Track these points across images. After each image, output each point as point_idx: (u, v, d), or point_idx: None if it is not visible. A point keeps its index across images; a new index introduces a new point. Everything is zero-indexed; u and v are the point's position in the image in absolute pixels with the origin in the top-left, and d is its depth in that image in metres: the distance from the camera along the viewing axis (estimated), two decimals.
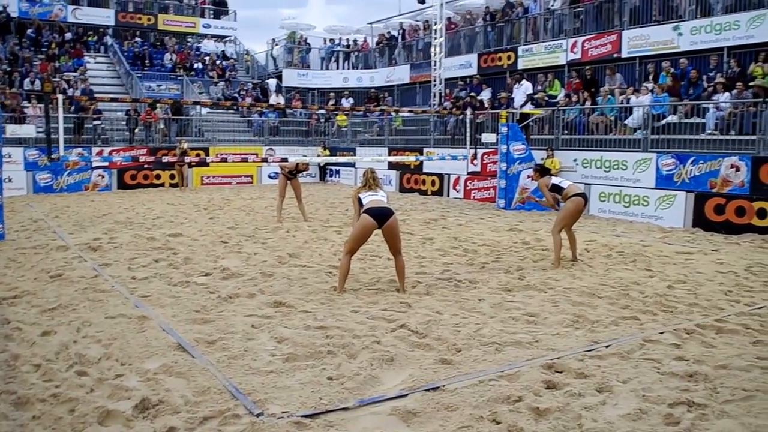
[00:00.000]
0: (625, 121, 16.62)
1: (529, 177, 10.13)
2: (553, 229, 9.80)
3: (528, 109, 18.88)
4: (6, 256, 10.02)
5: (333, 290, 7.80)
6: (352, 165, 25.52)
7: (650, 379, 5.00)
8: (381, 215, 7.62)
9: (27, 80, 24.80)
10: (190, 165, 20.44)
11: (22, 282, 8.30)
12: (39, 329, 6.18)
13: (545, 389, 4.82)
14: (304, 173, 14.77)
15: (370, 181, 7.97)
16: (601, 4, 20.55)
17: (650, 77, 17.71)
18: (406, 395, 4.69)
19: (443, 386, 4.83)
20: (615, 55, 19.70)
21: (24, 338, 5.93)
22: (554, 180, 10.11)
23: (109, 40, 31.87)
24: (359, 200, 7.83)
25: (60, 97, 12.29)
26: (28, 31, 29.50)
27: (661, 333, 6.18)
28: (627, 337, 6.05)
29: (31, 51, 28.34)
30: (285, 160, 15.89)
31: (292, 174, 14.52)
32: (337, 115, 27.98)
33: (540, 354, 5.56)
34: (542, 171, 10.35)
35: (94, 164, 21.75)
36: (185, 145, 21.81)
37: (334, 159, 23.49)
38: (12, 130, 15.03)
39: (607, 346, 5.77)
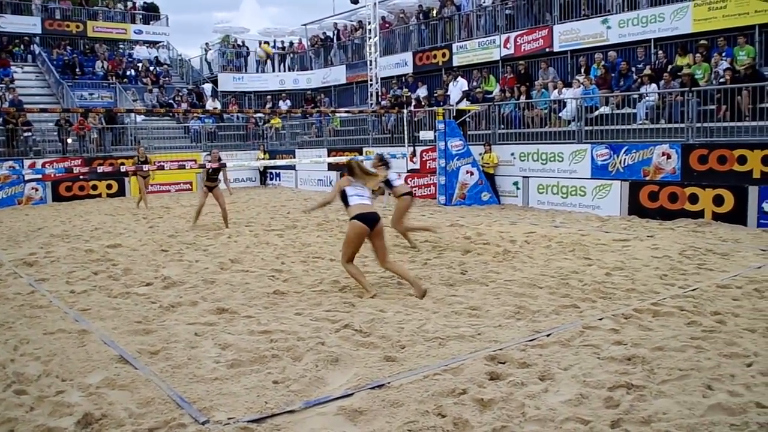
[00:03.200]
0: (560, 114, 16.93)
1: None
2: (395, 224, 10.69)
3: (464, 105, 19.08)
4: None
5: (273, 293, 7.77)
6: (292, 168, 25.43)
7: (590, 365, 5.12)
8: (371, 221, 7.64)
9: None
10: (144, 175, 19.18)
11: None
12: None
13: (489, 380, 4.90)
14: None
15: (358, 171, 7.93)
16: (532, 0, 20.88)
17: (582, 70, 18.08)
18: (352, 394, 4.72)
19: (388, 383, 4.87)
20: (547, 50, 20.06)
21: None
22: (390, 176, 10.75)
23: (36, 48, 31.08)
24: (344, 195, 7.80)
25: None
26: None
27: (600, 319, 6.34)
28: (567, 325, 6.18)
29: None
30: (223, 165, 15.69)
31: (212, 178, 14.27)
32: (272, 118, 27.86)
33: (483, 346, 5.64)
34: (385, 163, 10.86)
35: (27, 177, 21.17)
36: (143, 150, 20.22)
37: (274, 162, 23.34)
38: None
39: (548, 335, 5.89)
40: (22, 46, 31.03)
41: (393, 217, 10.78)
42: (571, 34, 19.42)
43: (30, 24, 32.12)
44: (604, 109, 15.99)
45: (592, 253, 9.98)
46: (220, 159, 14.66)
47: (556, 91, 17.59)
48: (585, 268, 8.87)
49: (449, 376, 4.97)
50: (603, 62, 17.41)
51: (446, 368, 5.12)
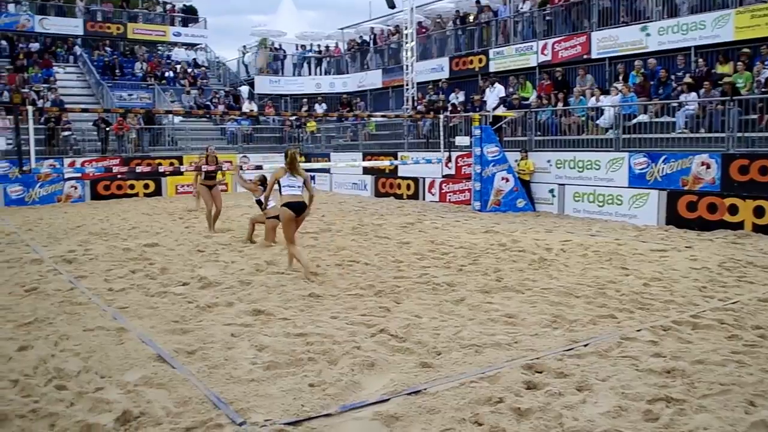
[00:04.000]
0: (597, 122, 16.78)
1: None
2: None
3: (501, 111, 19.00)
4: None
5: (309, 296, 7.81)
6: (326, 171, 25.53)
7: (629, 377, 5.06)
8: (298, 209, 9.19)
9: None
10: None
11: None
12: (15, 344, 6.10)
13: (526, 389, 4.87)
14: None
15: (293, 163, 9.26)
16: (570, 6, 20.75)
17: (620, 77, 17.90)
18: (388, 400, 4.71)
19: (424, 390, 4.86)
20: (585, 56, 19.88)
21: (0, 354, 5.86)
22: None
23: (78, 49, 31.60)
24: (279, 184, 9.30)
25: (30, 108, 12.15)
26: (2, 43, 29.19)
27: (638, 330, 6.26)
28: (605, 336, 6.12)
29: None
30: (260, 167, 15.33)
31: (210, 176, 13.92)
32: (308, 121, 28.00)
33: (519, 355, 5.61)
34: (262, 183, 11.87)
35: (67, 175, 21.53)
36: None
37: (309, 165, 23.42)
38: None
39: (585, 345, 5.84)
40: (64, 47, 31.58)
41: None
42: (609, 41, 19.24)
43: (72, 26, 32.66)
44: (643, 118, 15.82)
45: (629, 262, 9.87)
46: (217, 160, 14.37)
47: (593, 98, 17.43)
48: (622, 278, 8.77)
49: (486, 384, 4.95)
50: (642, 70, 17.20)
51: (483, 376, 5.10)
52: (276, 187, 9.51)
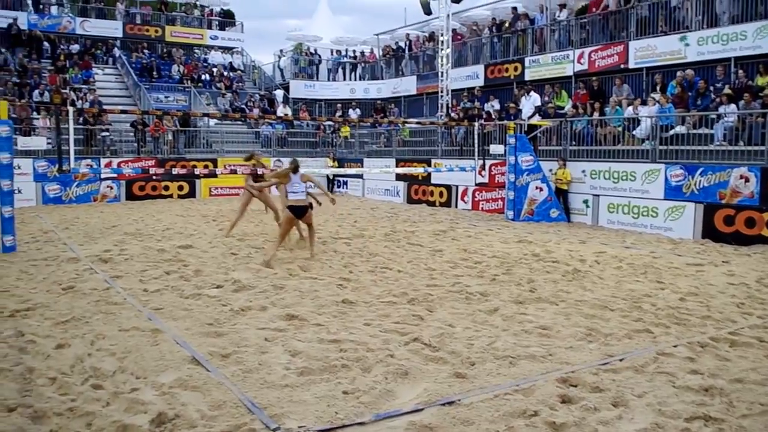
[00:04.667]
0: (633, 132, 16.62)
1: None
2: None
3: (536, 120, 18.90)
4: (18, 268, 10.08)
5: (342, 302, 7.82)
6: (359, 176, 25.58)
7: (666, 393, 5.00)
8: (300, 212, 10.54)
9: (36, 92, 24.95)
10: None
11: (34, 294, 8.34)
12: (53, 342, 6.20)
13: (561, 403, 4.83)
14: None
15: (297, 170, 10.53)
16: (608, 15, 20.59)
17: (657, 88, 17.71)
18: (422, 410, 4.69)
19: (459, 400, 4.83)
20: (622, 66, 19.71)
21: (38, 351, 5.95)
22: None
23: (117, 51, 32.08)
24: (286, 190, 10.62)
25: (70, 109, 12.34)
26: (45, 45, 29.74)
27: (675, 346, 6.18)
28: (641, 351, 6.04)
29: (40, 63, 28.53)
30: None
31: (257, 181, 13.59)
32: (343, 126, 28.09)
33: (554, 368, 5.56)
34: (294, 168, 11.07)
35: (104, 176, 21.83)
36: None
37: (342, 171, 23.54)
38: (23, 142, 15.11)
39: (621, 360, 5.77)
40: (104, 49, 32.06)
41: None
42: (647, 50, 19.04)
43: (112, 28, 33.19)
44: (680, 129, 15.62)
45: (664, 276, 9.74)
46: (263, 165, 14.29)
47: (630, 108, 17.27)
48: (657, 291, 8.66)
49: (520, 396, 4.92)
50: (683, 80, 16.98)
51: (517, 388, 5.07)
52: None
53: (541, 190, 16.89)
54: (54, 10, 33.10)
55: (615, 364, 5.66)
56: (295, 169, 10.57)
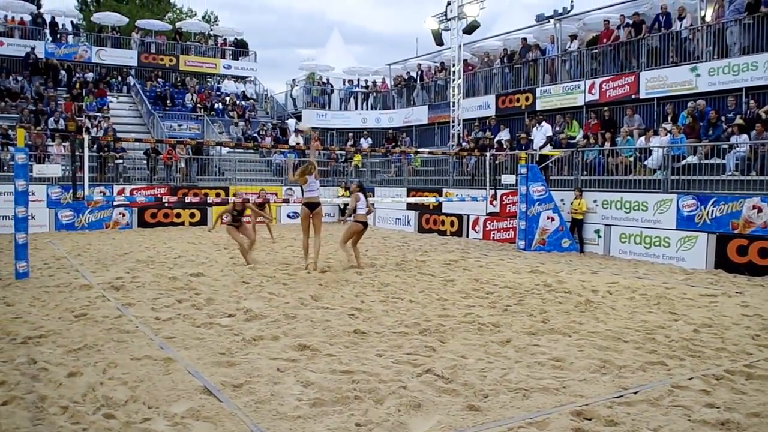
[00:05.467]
0: (645, 162, 16.62)
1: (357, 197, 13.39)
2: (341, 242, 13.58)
3: (547, 150, 18.93)
4: (30, 295, 10.11)
5: (354, 332, 7.79)
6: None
7: (681, 427, 4.94)
8: (312, 206, 12.45)
9: (52, 119, 25.21)
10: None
11: (47, 321, 8.36)
12: (65, 370, 6.20)
13: None
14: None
15: (312, 169, 12.39)
16: (618, 46, 20.69)
17: (669, 118, 17.74)
18: None
19: None
20: (633, 96, 19.76)
21: (51, 379, 5.95)
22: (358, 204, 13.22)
23: (131, 80, 32.44)
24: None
25: (86, 137, 12.46)
26: (61, 73, 30.16)
27: (690, 379, 6.12)
28: (655, 383, 5.99)
29: (56, 90, 28.89)
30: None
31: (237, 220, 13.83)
32: (354, 155, 28.18)
33: (568, 400, 5.51)
34: (361, 187, 13.66)
35: (117, 203, 21.96)
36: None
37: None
38: (39, 169, 15.27)
39: (635, 393, 5.72)
40: (119, 78, 32.43)
41: (342, 237, 13.67)
42: (658, 81, 19.11)
43: (127, 57, 33.69)
44: (692, 159, 15.62)
45: (677, 307, 9.69)
46: (243, 205, 14.19)
47: (642, 138, 17.29)
48: (671, 323, 8.60)
49: (534, 429, 4.88)
50: (694, 110, 16.99)
51: (531, 421, 5.02)
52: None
53: (552, 219, 16.88)
54: (71, 39, 33.58)
55: (629, 397, 5.61)
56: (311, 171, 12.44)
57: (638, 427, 4.92)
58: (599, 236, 16.64)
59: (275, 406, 5.31)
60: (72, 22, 35.82)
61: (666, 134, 16.52)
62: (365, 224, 13.08)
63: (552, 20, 25.13)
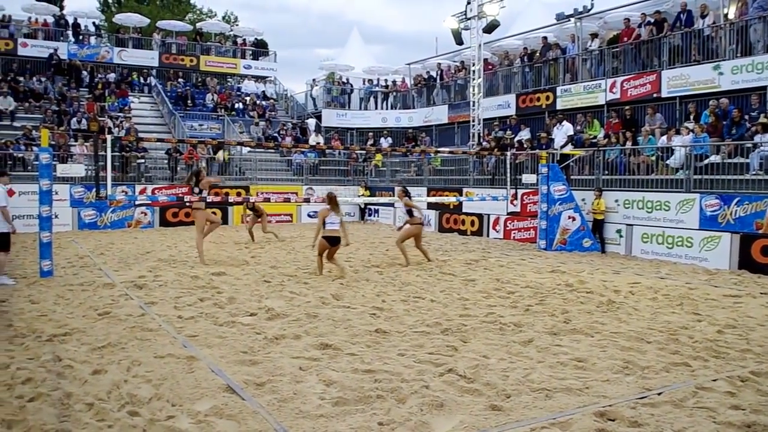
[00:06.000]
0: (667, 161, 16.49)
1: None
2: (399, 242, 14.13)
3: (568, 149, 18.84)
4: (55, 293, 10.24)
5: (375, 331, 7.80)
6: (390, 204, 25.61)
7: (706, 429, 4.90)
8: (333, 242, 12.19)
9: (74, 120, 25.44)
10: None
11: (71, 319, 8.45)
12: (90, 368, 6.27)
13: None
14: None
15: (334, 205, 12.19)
16: (640, 44, 20.54)
17: (691, 117, 17.59)
18: None
19: None
20: (655, 95, 19.61)
21: (76, 376, 6.03)
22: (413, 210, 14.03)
23: (152, 80, 32.66)
24: (324, 222, 12.07)
25: (109, 137, 12.56)
26: (83, 73, 30.47)
27: (714, 380, 6.07)
28: (679, 384, 5.95)
29: (79, 91, 29.17)
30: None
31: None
32: (375, 154, 28.19)
33: (591, 401, 5.49)
34: (407, 192, 14.67)
35: (139, 202, 22.12)
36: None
37: (374, 199, 23.64)
38: (62, 169, 15.39)
39: (659, 394, 5.69)
40: (141, 79, 32.68)
41: (400, 236, 14.38)
42: (680, 79, 18.94)
43: (149, 57, 33.93)
44: (715, 158, 15.48)
45: (701, 308, 9.60)
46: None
47: (663, 137, 17.15)
48: (694, 323, 8.53)
49: (557, 430, 4.87)
50: (716, 109, 16.84)
51: (554, 422, 5.01)
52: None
53: (573, 219, 16.79)
54: (93, 40, 33.88)
55: (653, 398, 5.57)
56: (332, 203, 12.26)
57: (662, 429, 4.90)
58: (621, 236, 16.52)
59: (298, 405, 5.33)
60: (94, 23, 36.16)
61: (688, 133, 16.37)
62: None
63: (572, 19, 25.03)
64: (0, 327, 7.98)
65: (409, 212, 14.14)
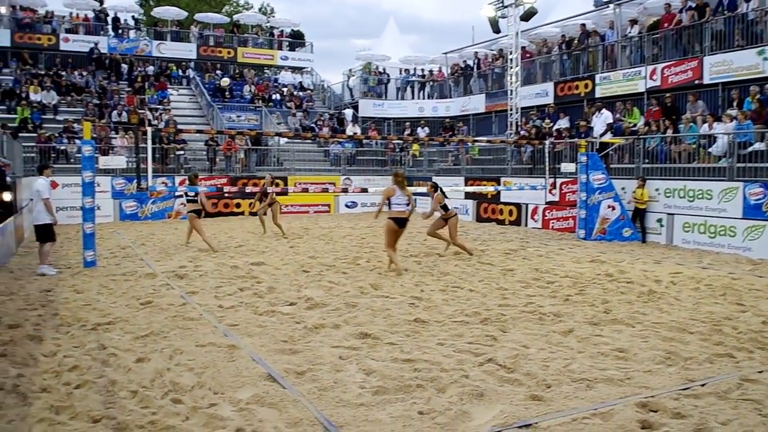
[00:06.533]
0: (709, 149, 16.19)
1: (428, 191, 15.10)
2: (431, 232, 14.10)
3: (608, 138, 18.61)
4: (98, 283, 10.43)
5: (414, 321, 7.80)
6: (428, 195, 25.52)
7: (752, 422, 4.82)
8: (401, 222, 11.36)
9: (115, 112, 25.82)
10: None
11: (114, 308, 8.61)
12: (133, 356, 6.39)
13: (641, 429, 4.71)
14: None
15: (401, 184, 11.34)
16: (681, 30, 20.17)
17: (734, 103, 17.24)
18: None
19: (536, 423, 4.77)
20: (696, 82, 19.26)
21: (120, 364, 6.14)
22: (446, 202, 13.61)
23: (191, 72, 32.97)
24: (389, 201, 11.38)
25: (149, 129, 12.72)
26: (123, 67, 30.90)
27: (760, 372, 5.96)
28: (723, 376, 5.86)
29: (118, 84, 29.59)
30: (365, 190, 15.99)
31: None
32: (412, 144, 28.14)
33: (633, 392, 5.43)
34: (437, 187, 14.21)
35: (179, 193, 22.37)
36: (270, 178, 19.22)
37: (411, 189, 23.60)
38: (104, 161, 15.67)
39: (702, 385, 5.61)
40: (180, 71, 33.02)
41: (432, 226, 14.18)
42: (723, 65, 18.57)
43: (186, 50, 34.25)
44: (759, 146, 15.16)
45: (745, 298, 9.43)
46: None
47: (705, 125, 16.84)
48: (738, 314, 8.37)
49: (598, 420, 4.82)
50: (758, 95, 16.48)
51: (595, 412, 4.97)
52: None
53: (613, 209, 16.60)
54: (132, 34, 34.31)
55: (696, 390, 5.50)
56: (401, 182, 11.44)
57: (706, 421, 4.82)
58: (662, 225, 16.29)
59: (338, 394, 5.36)
60: (133, 17, 36.59)
61: (731, 120, 16.05)
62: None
63: (611, 5, 24.59)
64: (47, 316, 8.16)
65: (444, 206, 13.80)
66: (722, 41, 18.82)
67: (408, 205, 11.47)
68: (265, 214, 18.11)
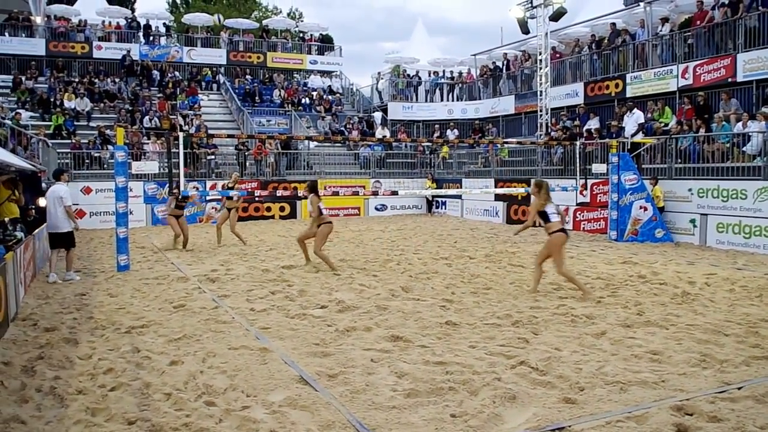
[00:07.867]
0: (743, 148, 15.96)
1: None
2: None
3: (639, 137, 18.41)
4: (132, 286, 10.57)
5: (446, 324, 7.78)
6: (458, 197, 25.51)
7: None
8: (567, 233, 9.60)
9: (146, 118, 26.12)
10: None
11: (147, 312, 8.72)
12: (167, 359, 6.46)
13: None
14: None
15: (545, 193, 9.59)
16: (713, 27, 19.90)
17: None
18: None
19: (569, 426, 4.74)
20: (729, 80, 18.98)
21: (154, 367, 6.21)
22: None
23: (221, 77, 33.25)
24: (544, 213, 9.50)
25: (181, 134, 12.84)
26: (154, 73, 31.28)
27: None
28: (761, 379, 5.76)
29: (150, 90, 29.94)
30: (395, 193, 15.84)
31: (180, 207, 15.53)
32: (442, 146, 28.10)
33: (668, 395, 5.37)
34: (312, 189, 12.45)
35: (210, 197, 22.57)
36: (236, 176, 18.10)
37: (441, 191, 23.60)
38: (137, 166, 15.87)
39: (739, 388, 5.52)
40: (210, 76, 33.33)
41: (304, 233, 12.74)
42: (757, 62, 18.26)
43: (217, 55, 34.54)
44: None
45: None
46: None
47: (739, 123, 16.60)
48: None
49: (633, 424, 4.77)
50: None
51: (629, 415, 4.92)
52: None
53: (645, 209, 16.43)
54: (163, 40, 34.68)
55: (733, 393, 5.42)
56: (547, 193, 9.64)
57: (744, 425, 4.75)
58: (695, 226, 16.09)
59: (370, 396, 5.37)
60: (164, 24, 36.98)
61: (766, 119, 15.80)
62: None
63: (642, 3, 24.32)
64: (82, 319, 8.28)
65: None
66: (756, 38, 18.52)
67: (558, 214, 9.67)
68: (222, 222, 16.78)
